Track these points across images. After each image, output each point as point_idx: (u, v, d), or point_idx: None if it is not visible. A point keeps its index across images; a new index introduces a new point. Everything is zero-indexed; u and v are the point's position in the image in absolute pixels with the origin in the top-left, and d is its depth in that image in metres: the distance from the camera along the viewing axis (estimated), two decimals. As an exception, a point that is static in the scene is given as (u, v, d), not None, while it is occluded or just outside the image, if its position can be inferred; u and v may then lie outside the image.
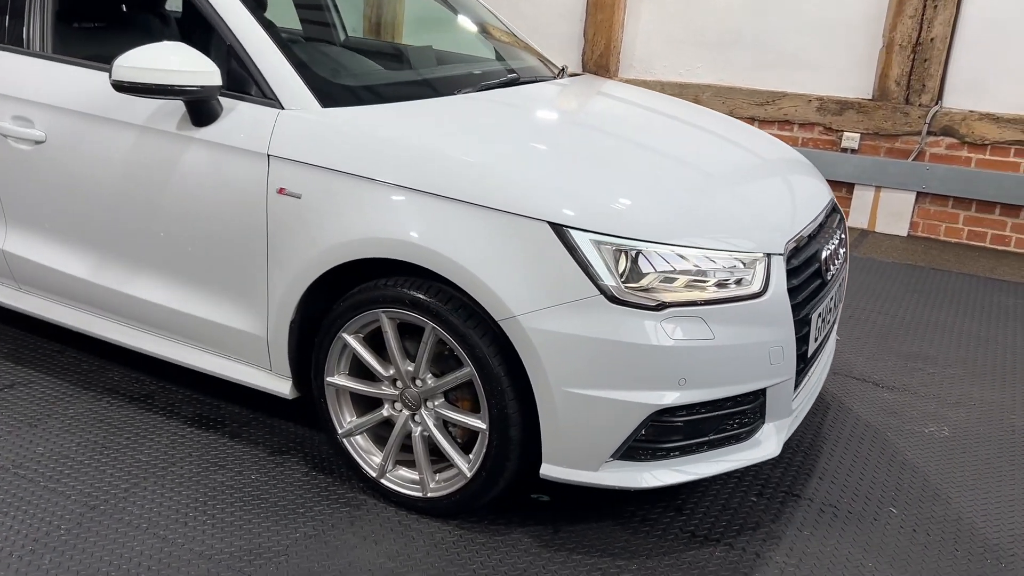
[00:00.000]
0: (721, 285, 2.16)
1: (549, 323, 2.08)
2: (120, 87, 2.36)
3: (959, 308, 4.37)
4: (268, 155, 2.37)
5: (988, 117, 5.35)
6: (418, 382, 2.34)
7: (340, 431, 2.49)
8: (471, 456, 2.32)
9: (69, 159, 2.71)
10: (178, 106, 2.50)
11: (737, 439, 2.29)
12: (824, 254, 2.48)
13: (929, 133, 5.52)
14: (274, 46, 2.46)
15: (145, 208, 2.61)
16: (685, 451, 2.23)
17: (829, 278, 2.51)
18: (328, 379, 2.46)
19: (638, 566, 2.26)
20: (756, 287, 2.19)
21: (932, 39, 5.39)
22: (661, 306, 2.08)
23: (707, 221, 2.23)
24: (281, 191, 2.36)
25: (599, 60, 6.51)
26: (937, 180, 5.51)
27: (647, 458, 2.20)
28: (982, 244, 5.54)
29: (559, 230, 2.09)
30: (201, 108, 2.44)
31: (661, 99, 3.30)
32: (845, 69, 5.75)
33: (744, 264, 2.18)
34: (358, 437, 2.50)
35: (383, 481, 2.46)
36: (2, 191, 2.91)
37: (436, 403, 2.34)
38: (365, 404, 2.52)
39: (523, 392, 2.17)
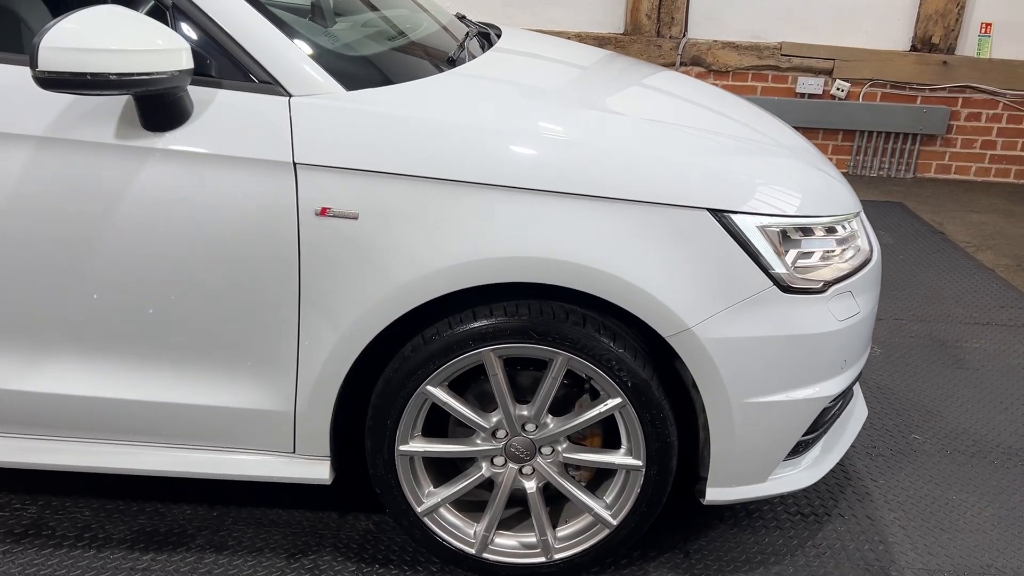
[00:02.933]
0: (853, 253, 1.98)
1: (724, 329, 1.75)
2: (49, 80, 1.48)
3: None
4: (294, 163, 1.67)
5: (729, 46, 5.76)
6: (529, 427, 1.87)
7: (420, 508, 1.92)
8: (607, 500, 1.93)
9: None
10: (107, 104, 1.65)
11: (842, 410, 2.18)
12: None
13: (681, 63, 5.80)
14: (256, 13, 1.72)
15: (71, 268, 1.72)
16: (819, 437, 2.06)
17: None
18: (401, 447, 1.87)
19: (783, 560, 2.07)
20: (867, 248, 2.05)
21: (676, -28, 5.62)
22: (825, 287, 1.85)
23: (821, 188, 2.01)
24: (324, 212, 1.68)
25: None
26: (692, 108, 5.84)
27: (800, 453, 2.00)
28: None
29: (721, 217, 1.75)
30: (163, 104, 1.63)
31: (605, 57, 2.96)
32: (597, 5, 5.79)
33: (855, 227, 2.03)
34: (442, 510, 1.95)
35: (486, 556, 1.96)
36: None
37: (561, 447, 1.89)
38: (445, 469, 1.98)
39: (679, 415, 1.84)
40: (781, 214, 1.81)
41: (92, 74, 1.48)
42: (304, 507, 2.19)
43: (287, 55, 1.70)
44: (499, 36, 2.59)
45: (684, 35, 5.77)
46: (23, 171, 1.66)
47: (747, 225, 1.76)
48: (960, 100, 5.88)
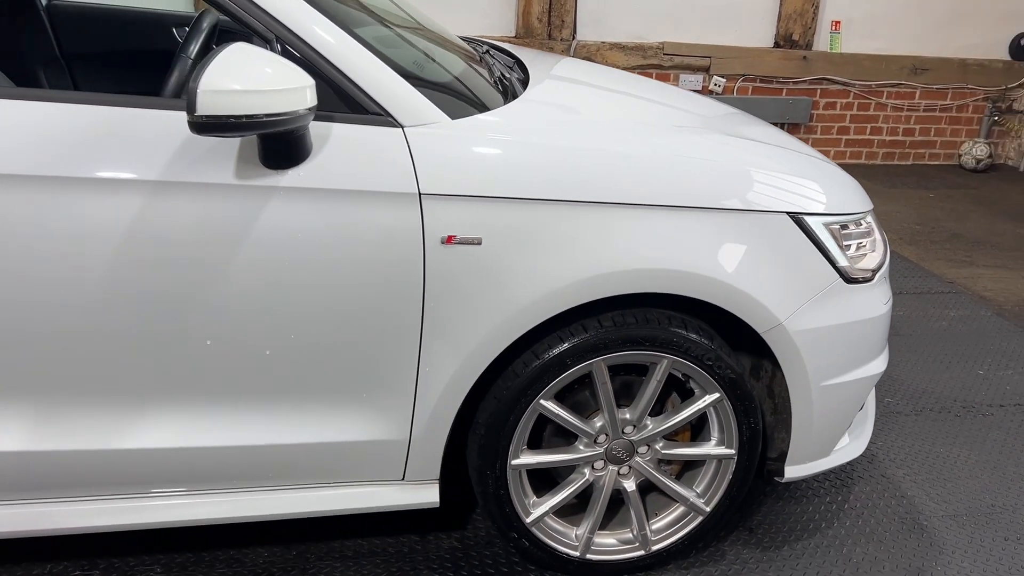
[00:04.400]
0: (879, 243, 2.22)
1: (806, 321, 1.93)
2: (206, 125, 1.42)
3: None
4: (419, 194, 1.68)
5: (616, 47, 6.03)
6: (628, 429, 1.98)
7: (529, 519, 1.98)
8: (697, 490, 2.07)
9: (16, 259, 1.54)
10: (222, 144, 1.60)
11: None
12: None
13: (573, 65, 6.01)
14: (357, 43, 1.70)
15: (186, 316, 1.64)
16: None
17: None
18: (513, 462, 1.92)
19: (832, 524, 2.30)
20: (882, 238, 2.29)
21: (564, -23, 5.82)
22: (872, 275, 2.07)
23: (852, 187, 2.23)
24: (450, 240, 1.70)
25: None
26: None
27: (849, 426, 2.22)
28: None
29: (798, 219, 1.92)
30: (289, 142, 1.59)
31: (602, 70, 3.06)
32: (490, 9, 5.89)
33: (872, 220, 2.26)
34: (547, 518, 2.02)
35: (589, 556, 2.04)
36: None
37: (658, 445, 2.01)
38: (543, 477, 2.04)
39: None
40: (837, 212, 2.00)
41: (247, 116, 1.44)
42: (379, 533, 2.18)
43: (395, 86, 1.70)
44: (506, 55, 2.65)
45: (574, 37, 5.98)
46: (138, 218, 1.57)
47: (816, 225, 1.94)
48: (819, 91, 6.46)
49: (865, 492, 2.46)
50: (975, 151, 6.67)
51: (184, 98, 1.77)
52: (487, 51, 2.71)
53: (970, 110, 6.80)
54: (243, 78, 1.44)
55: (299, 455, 1.82)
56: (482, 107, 1.86)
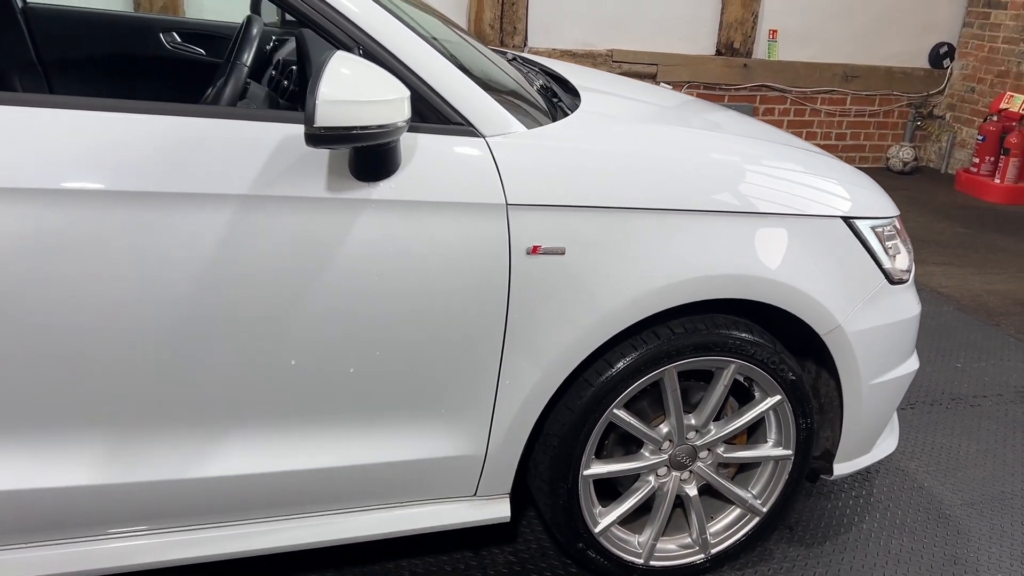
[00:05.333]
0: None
1: (860, 322, 1.99)
2: (322, 137, 1.37)
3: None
4: (506, 205, 1.65)
5: (567, 54, 6.08)
6: (691, 434, 2.00)
7: (597, 528, 1.97)
8: (753, 491, 2.10)
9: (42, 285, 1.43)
10: (311, 156, 1.54)
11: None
12: None
13: (525, 72, 6.03)
14: (438, 53, 1.67)
15: (271, 334, 1.57)
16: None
17: None
18: (584, 472, 1.91)
19: (864, 518, 2.38)
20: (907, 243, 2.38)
21: (515, -15, 5.84)
22: (907, 276, 2.15)
23: (883, 193, 2.30)
24: (535, 250, 1.68)
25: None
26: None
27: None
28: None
29: (850, 223, 1.98)
30: (383, 154, 1.54)
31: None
32: (441, 16, 5.84)
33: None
34: (613, 528, 2.01)
35: (652, 563, 2.05)
36: None
37: (720, 449, 2.03)
38: (604, 485, 2.04)
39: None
40: (879, 216, 2.07)
41: (360, 128, 1.39)
42: (432, 552, 2.13)
43: (475, 96, 1.67)
44: (530, 64, 2.63)
45: (525, 45, 6.00)
46: (229, 233, 1.49)
47: (865, 228, 2.01)
48: (759, 97, 6.68)
49: (886, 485, 2.55)
50: (901, 154, 7.00)
51: (253, 107, 1.70)
52: (514, 58, 2.69)
53: (895, 115, 7.14)
54: (355, 89, 1.39)
55: (375, 475, 1.77)
56: (546, 117, 1.84)
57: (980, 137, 6.45)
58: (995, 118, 6.43)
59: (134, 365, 1.52)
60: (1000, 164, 6.31)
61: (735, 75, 6.50)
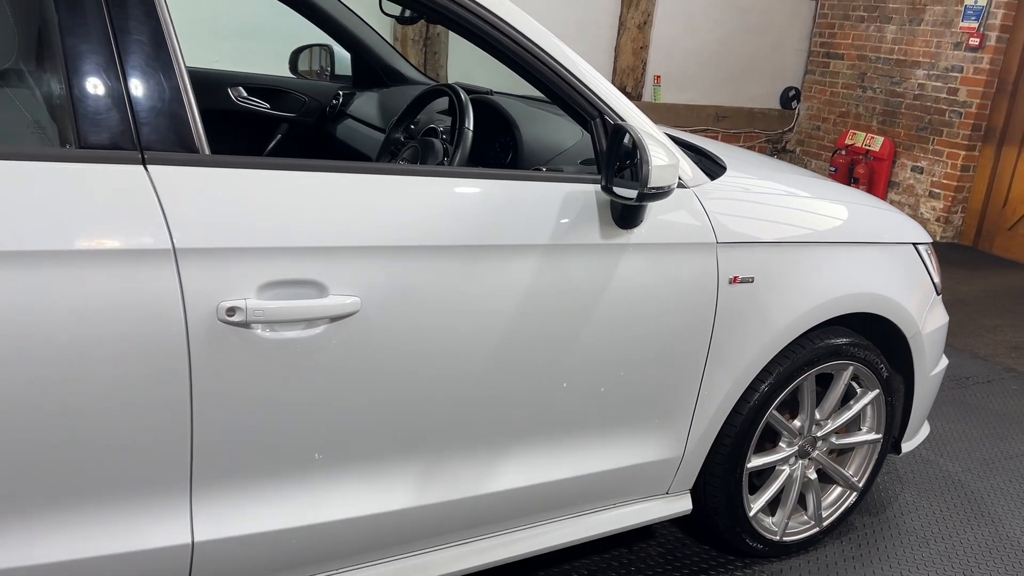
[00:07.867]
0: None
1: (926, 327, 2.51)
2: (648, 195, 1.69)
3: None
4: (716, 243, 2.00)
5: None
6: (815, 427, 2.41)
7: (752, 513, 2.34)
8: (849, 472, 2.55)
9: (406, 326, 1.62)
10: (587, 207, 1.82)
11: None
12: None
13: (448, 115, 6.33)
14: (646, 115, 2.00)
15: (544, 356, 1.82)
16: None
17: None
18: (747, 466, 2.27)
19: (910, 510, 2.90)
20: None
21: (438, 33, 6.15)
22: (940, 289, 2.70)
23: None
24: (735, 280, 2.04)
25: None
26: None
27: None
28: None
29: (915, 248, 2.50)
30: (644, 206, 1.86)
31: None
32: (369, 62, 6.04)
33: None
34: (759, 512, 2.39)
35: (784, 539, 2.44)
36: (217, 433, 1.49)
37: (833, 438, 2.46)
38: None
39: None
40: (927, 241, 2.60)
41: (667, 187, 1.70)
42: (595, 553, 2.40)
43: (678, 153, 2.02)
44: None
45: (447, 89, 6.31)
46: (532, 277, 1.74)
47: (924, 251, 2.53)
48: (648, 136, 7.33)
49: (914, 463, 3.09)
50: (765, 185, 7.91)
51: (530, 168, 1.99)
52: None
53: (757, 150, 8.07)
54: (664, 155, 1.71)
55: (603, 481, 2.04)
56: (714, 170, 2.22)
57: (832, 168, 7.46)
58: (843, 152, 7.47)
59: (452, 401, 1.73)
60: (852, 192, 7.33)
61: (629, 116, 7.12)
